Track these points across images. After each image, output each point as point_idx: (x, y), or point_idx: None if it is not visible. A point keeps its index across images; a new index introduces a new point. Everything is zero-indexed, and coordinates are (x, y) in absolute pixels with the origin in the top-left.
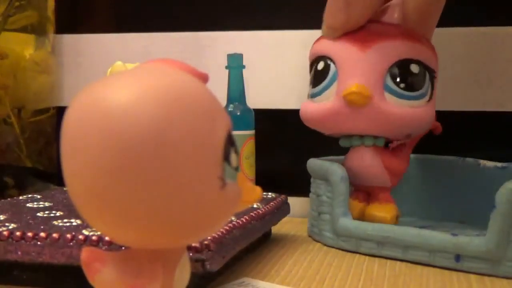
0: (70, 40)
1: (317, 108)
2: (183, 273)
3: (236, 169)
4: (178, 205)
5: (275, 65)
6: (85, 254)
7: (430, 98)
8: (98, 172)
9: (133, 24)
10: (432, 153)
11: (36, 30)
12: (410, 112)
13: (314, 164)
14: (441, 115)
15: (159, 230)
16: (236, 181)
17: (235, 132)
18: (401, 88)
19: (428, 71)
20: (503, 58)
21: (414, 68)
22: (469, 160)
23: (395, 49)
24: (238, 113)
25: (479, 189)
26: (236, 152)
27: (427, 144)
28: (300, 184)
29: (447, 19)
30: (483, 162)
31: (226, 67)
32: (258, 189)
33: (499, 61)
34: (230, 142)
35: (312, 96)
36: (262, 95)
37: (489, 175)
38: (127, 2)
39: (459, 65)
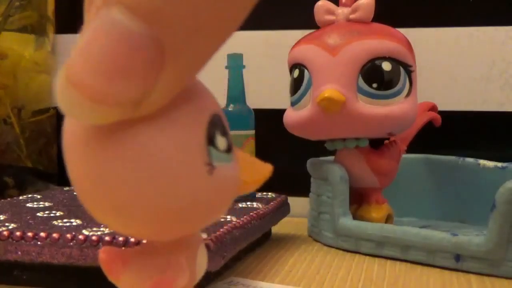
0: (70, 40)
1: (296, 116)
2: (202, 260)
3: (227, 151)
4: (164, 192)
5: (275, 65)
6: (104, 256)
7: (409, 93)
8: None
9: None
10: (432, 153)
11: (36, 30)
12: (385, 111)
13: (314, 164)
14: (441, 115)
15: (152, 219)
16: (230, 164)
17: (235, 132)
18: (374, 88)
19: (403, 66)
20: (503, 58)
21: (386, 65)
22: (469, 160)
23: (364, 49)
24: (238, 113)
25: (479, 189)
26: (225, 134)
27: (427, 144)
28: (300, 184)
29: (449, 19)
30: (483, 162)
31: (226, 67)
32: (265, 166)
33: (499, 61)
34: (214, 125)
35: (292, 104)
36: (262, 95)
37: (489, 175)
38: None
39: (459, 65)
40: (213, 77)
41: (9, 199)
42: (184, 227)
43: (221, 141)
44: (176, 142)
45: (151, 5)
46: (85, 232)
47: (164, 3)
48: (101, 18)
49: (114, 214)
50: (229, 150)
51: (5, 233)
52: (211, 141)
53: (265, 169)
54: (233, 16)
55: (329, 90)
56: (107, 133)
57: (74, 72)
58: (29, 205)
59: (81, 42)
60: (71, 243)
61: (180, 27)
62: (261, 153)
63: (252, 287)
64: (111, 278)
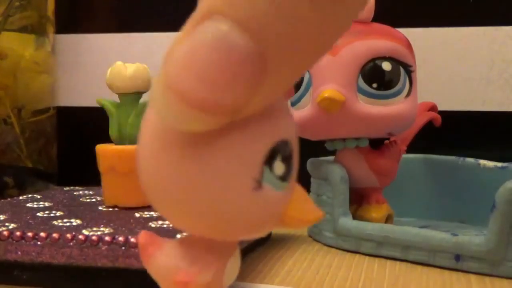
0: (70, 40)
1: (296, 116)
2: (233, 267)
3: (282, 179)
4: (204, 193)
5: None
6: (142, 238)
7: (409, 93)
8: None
9: (133, 24)
10: (432, 153)
11: (36, 30)
12: (385, 111)
13: (314, 164)
14: (441, 115)
15: (189, 216)
16: (280, 192)
17: None
18: (374, 88)
19: (403, 66)
20: (503, 58)
21: (386, 65)
22: (469, 160)
23: (365, 49)
24: None
25: (479, 189)
26: (286, 162)
27: (427, 144)
28: (300, 184)
29: (448, 19)
30: (483, 162)
31: None
32: (317, 211)
33: (499, 61)
34: (278, 149)
35: (292, 104)
36: None
37: (489, 175)
38: (127, 2)
39: (459, 65)
40: None
41: (9, 199)
42: (220, 229)
43: (278, 166)
44: (234, 146)
45: (259, 23)
46: (85, 232)
47: (272, 22)
48: (207, 29)
49: (171, 209)
50: (284, 179)
51: (5, 233)
52: (268, 162)
53: (315, 214)
54: (332, 37)
55: (329, 90)
56: (185, 136)
57: (177, 80)
58: (29, 205)
59: (183, 51)
60: (71, 243)
61: (282, 44)
62: None
63: None
64: (143, 259)
